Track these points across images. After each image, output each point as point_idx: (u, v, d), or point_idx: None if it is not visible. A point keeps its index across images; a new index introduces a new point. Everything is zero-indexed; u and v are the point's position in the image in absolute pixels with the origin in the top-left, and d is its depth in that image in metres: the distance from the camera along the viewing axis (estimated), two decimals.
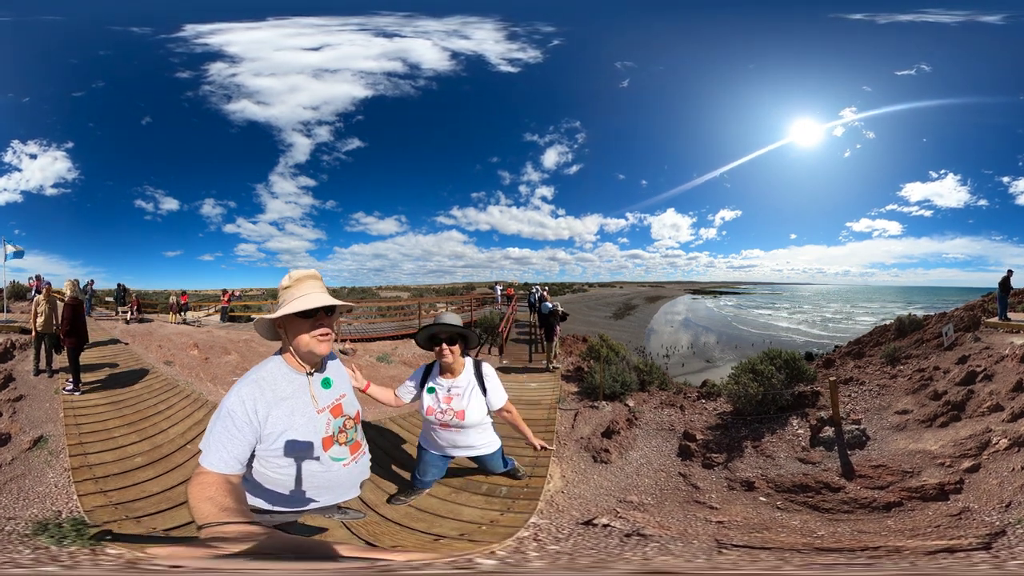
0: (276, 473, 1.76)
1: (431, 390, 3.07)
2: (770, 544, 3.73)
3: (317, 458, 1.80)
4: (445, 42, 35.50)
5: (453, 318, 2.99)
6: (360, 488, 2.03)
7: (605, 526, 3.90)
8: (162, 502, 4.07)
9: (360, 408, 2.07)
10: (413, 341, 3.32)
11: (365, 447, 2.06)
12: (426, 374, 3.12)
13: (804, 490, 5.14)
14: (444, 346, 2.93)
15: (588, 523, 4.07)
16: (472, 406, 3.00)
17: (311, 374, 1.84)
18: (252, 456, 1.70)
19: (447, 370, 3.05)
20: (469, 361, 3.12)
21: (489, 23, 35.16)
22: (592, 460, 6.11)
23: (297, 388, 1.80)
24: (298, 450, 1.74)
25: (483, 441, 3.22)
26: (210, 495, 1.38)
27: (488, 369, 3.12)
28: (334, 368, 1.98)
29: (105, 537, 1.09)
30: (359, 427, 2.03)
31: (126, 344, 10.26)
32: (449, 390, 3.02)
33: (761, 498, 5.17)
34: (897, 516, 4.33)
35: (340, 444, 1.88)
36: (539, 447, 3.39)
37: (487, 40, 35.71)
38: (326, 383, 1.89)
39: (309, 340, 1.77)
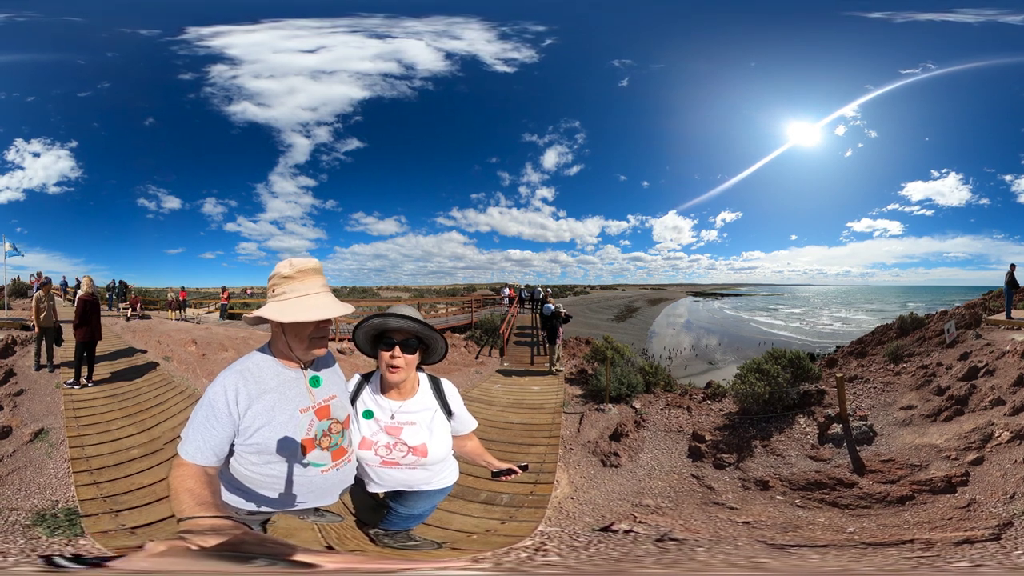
0: (248, 470, 1.66)
1: (368, 414, 2.09)
2: (812, 543, 3.67)
3: (291, 460, 1.68)
4: (437, 42, 35.51)
5: (410, 311, 2.05)
6: (339, 496, 1.90)
7: (627, 532, 3.79)
8: (147, 495, 4.11)
9: (352, 413, 1.94)
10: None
11: (352, 454, 1.91)
12: (357, 390, 2.14)
13: (819, 487, 5.14)
14: (397, 351, 1.99)
15: (606, 529, 3.97)
16: (437, 438, 2.13)
17: (305, 368, 1.74)
18: (232, 450, 1.62)
19: (392, 387, 2.10)
20: (423, 377, 2.22)
21: (475, 23, 35.12)
22: (601, 464, 6.07)
23: (282, 383, 1.68)
24: (272, 449, 1.63)
25: (444, 473, 2.29)
26: (189, 487, 1.36)
27: (450, 387, 2.29)
28: (327, 368, 1.87)
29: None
30: (347, 433, 1.87)
31: (144, 352, 10.12)
32: (394, 416, 2.09)
33: (778, 497, 5.15)
34: (912, 510, 4.35)
35: (322, 449, 1.74)
36: (507, 472, 2.25)
37: (478, 40, 35.71)
38: (315, 382, 1.76)
39: (308, 341, 1.67)
